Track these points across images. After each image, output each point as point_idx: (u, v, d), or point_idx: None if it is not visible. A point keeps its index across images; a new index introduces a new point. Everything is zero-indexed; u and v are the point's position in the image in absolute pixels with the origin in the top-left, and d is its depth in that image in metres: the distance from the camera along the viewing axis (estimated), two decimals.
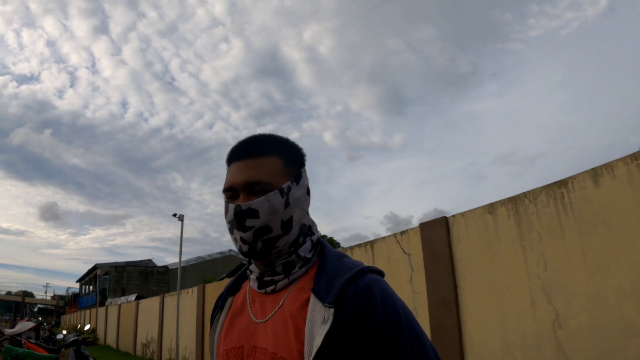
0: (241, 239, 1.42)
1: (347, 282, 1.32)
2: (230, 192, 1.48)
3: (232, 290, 1.68)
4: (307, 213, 1.57)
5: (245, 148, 1.51)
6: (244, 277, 1.69)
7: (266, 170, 1.44)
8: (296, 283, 1.44)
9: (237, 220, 1.42)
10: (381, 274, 1.43)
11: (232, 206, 1.44)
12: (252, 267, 1.54)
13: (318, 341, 1.23)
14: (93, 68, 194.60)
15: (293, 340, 1.31)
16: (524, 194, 6.01)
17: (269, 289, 1.47)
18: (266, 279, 1.48)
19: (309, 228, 1.56)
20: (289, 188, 1.46)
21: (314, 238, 1.54)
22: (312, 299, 1.33)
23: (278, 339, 1.35)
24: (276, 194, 1.42)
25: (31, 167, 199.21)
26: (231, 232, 1.46)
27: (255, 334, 1.44)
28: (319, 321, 1.27)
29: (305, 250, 1.49)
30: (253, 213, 1.40)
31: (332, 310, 1.26)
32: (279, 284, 1.45)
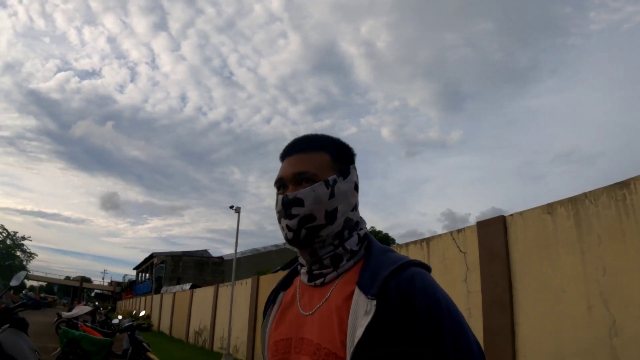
0: (287, 226, 1.51)
1: (391, 275, 1.34)
2: (280, 184, 1.58)
3: (284, 285, 1.75)
4: (355, 209, 1.62)
5: (295, 145, 1.63)
6: (296, 273, 1.73)
7: (313, 163, 1.55)
8: (343, 276, 1.49)
9: (285, 209, 1.52)
10: (427, 268, 1.44)
11: (280, 196, 1.55)
12: (301, 260, 1.61)
13: (359, 332, 1.26)
14: (153, 63, 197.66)
15: (337, 331, 1.35)
16: (585, 195, 5.88)
17: (318, 281, 1.53)
18: (315, 272, 1.54)
19: (356, 223, 1.61)
20: (335, 181, 1.54)
21: (361, 233, 1.59)
22: (356, 291, 1.36)
23: (323, 330, 1.40)
24: (321, 185, 1.51)
25: (92, 159, 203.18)
26: (279, 221, 1.56)
27: (302, 326, 1.49)
28: (361, 313, 1.30)
29: (352, 244, 1.54)
30: (299, 202, 1.50)
31: (374, 302, 1.29)
32: (328, 277, 1.51)
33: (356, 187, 1.62)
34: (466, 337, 1.30)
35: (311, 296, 1.53)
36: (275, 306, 1.70)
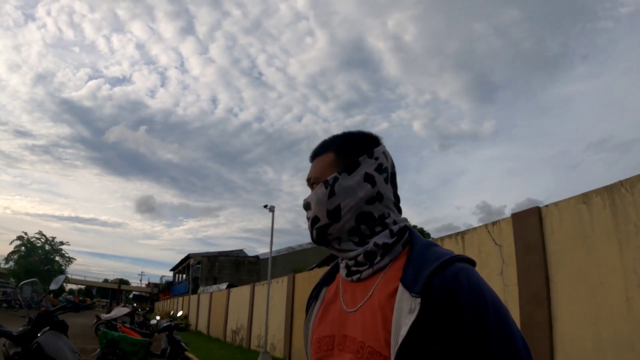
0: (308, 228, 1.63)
1: (435, 272, 1.30)
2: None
3: (326, 281, 1.75)
4: (376, 201, 1.56)
5: (313, 151, 1.70)
6: (337, 268, 1.72)
7: (318, 167, 1.62)
8: (386, 272, 1.46)
9: (306, 214, 1.64)
10: (472, 262, 1.40)
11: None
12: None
13: (404, 331, 1.24)
14: (182, 67, 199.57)
15: (381, 329, 1.32)
16: (620, 183, 5.78)
17: (355, 277, 1.52)
18: (352, 268, 1.54)
19: (382, 217, 1.55)
20: (335, 179, 1.55)
21: (395, 228, 1.54)
22: (400, 288, 1.34)
23: (366, 328, 1.37)
24: (320, 186, 1.57)
25: (127, 163, 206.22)
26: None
27: (345, 323, 1.48)
28: (406, 311, 1.27)
29: (383, 238, 1.50)
30: (307, 206, 1.61)
31: (418, 300, 1.26)
32: (364, 273, 1.49)
33: (368, 178, 1.56)
34: (512, 334, 1.28)
35: (353, 292, 1.51)
36: (318, 302, 1.70)
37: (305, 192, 1.66)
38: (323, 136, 1.67)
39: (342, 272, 1.59)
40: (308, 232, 1.61)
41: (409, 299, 1.28)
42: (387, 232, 1.51)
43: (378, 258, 1.48)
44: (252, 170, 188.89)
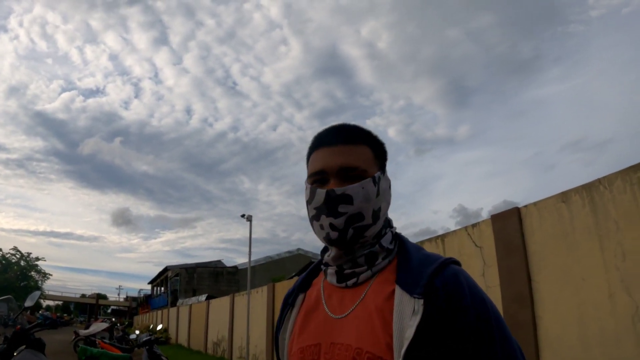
0: (331, 225, 1.40)
1: (435, 273, 1.31)
2: (319, 176, 1.46)
3: (302, 287, 1.66)
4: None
5: (336, 134, 1.50)
6: (315, 274, 1.66)
7: (360, 158, 1.44)
8: (377, 276, 1.43)
9: (328, 206, 1.40)
10: (460, 265, 1.41)
11: (322, 191, 1.42)
12: (329, 260, 1.51)
13: (410, 333, 1.21)
14: (156, 78, 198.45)
15: (380, 333, 1.29)
16: (599, 181, 5.76)
17: (350, 282, 1.45)
18: (347, 271, 1.46)
19: (389, 222, 1.56)
20: (380, 178, 1.47)
21: (393, 230, 1.55)
22: (398, 290, 1.32)
23: (363, 333, 1.33)
24: (370, 182, 1.42)
25: (102, 176, 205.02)
26: (317, 218, 1.44)
27: (333, 330, 1.41)
28: (408, 313, 1.25)
29: (387, 242, 1.48)
30: (347, 199, 1.39)
31: (421, 301, 1.25)
32: (362, 277, 1.43)
33: (390, 185, 1.57)
34: (509, 335, 1.31)
35: (341, 298, 1.45)
36: (295, 310, 1.61)
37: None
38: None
39: (331, 278, 1.51)
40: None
41: (410, 301, 1.27)
42: (389, 235, 1.51)
43: (379, 260, 1.44)
44: (229, 180, 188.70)
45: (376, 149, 1.51)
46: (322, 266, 1.59)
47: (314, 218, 1.45)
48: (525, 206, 6.83)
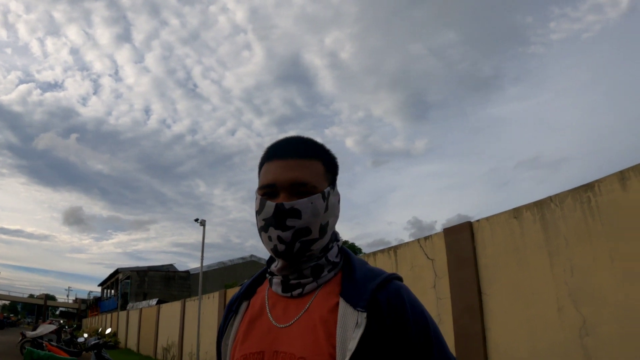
0: (278, 237, 1.41)
1: (378, 288, 1.35)
2: (269, 189, 1.47)
3: (247, 295, 1.66)
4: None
5: (290, 147, 1.51)
6: (259, 282, 1.67)
7: (312, 173, 1.46)
8: (323, 287, 1.45)
9: (277, 219, 1.41)
10: (402, 280, 1.47)
11: (271, 204, 1.43)
12: (275, 270, 1.52)
13: (352, 345, 1.24)
14: (116, 75, 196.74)
15: (324, 344, 1.30)
16: (550, 198, 5.90)
17: (296, 292, 1.46)
18: (292, 282, 1.47)
19: (336, 235, 1.59)
20: (329, 193, 1.48)
21: (339, 244, 1.57)
22: (342, 303, 1.34)
23: (306, 343, 1.33)
24: (319, 197, 1.44)
25: (56, 173, 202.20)
26: (265, 229, 1.45)
27: (277, 339, 1.41)
28: (351, 325, 1.28)
29: (333, 255, 1.51)
30: (296, 213, 1.40)
31: (364, 315, 1.28)
32: (307, 287, 1.45)
33: (339, 200, 1.58)
34: (445, 344, 1.41)
35: (285, 307, 1.46)
36: (239, 317, 1.60)
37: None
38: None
39: (277, 288, 1.51)
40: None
41: (353, 314, 1.29)
42: (335, 248, 1.53)
43: (325, 272, 1.46)
44: (185, 184, 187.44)
45: (328, 164, 1.53)
46: (267, 275, 1.60)
47: (262, 229, 1.46)
48: (478, 221, 6.92)
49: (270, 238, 1.43)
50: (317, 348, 1.31)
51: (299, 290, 1.45)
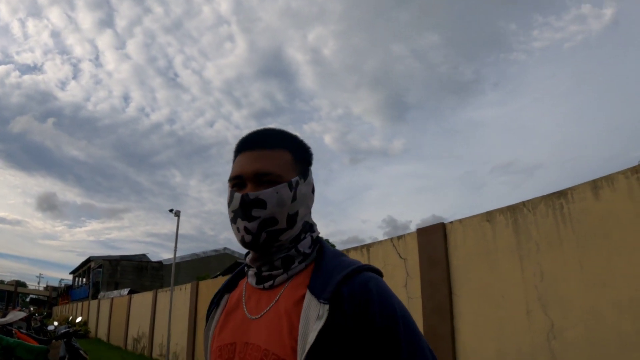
0: (245, 228, 1.42)
1: (344, 280, 1.31)
2: (238, 180, 1.47)
3: (228, 288, 1.67)
4: (310, 212, 1.57)
5: (257, 139, 1.52)
6: (242, 275, 1.66)
7: (277, 163, 1.45)
8: (293, 279, 1.43)
9: (243, 210, 1.42)
10: (379, 273, 1.41)
11: (238, 195, 1.44)
12: (250, 262, 1.52)
13: (312, 337, 1.22)
14: (96, 61, 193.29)
15: (286, 336, 1.30)
16: (523, 204, 5.96)
17: (267, 284, 1.46)
18: (264, 274, 1.47)
19: (310, 226, 1.56)
20: (297, 183, 1.47)
21: (314, 235, 1.54)
22: (308, 295, 1.33)
23: (271, 335, 1.34)
24: (285, 187, 1.43)
25: (31, 158, 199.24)
26: (234, 221, 1.45)
27: (248, 331, 1.42)
28: (313, 317, 1.26)
29: (304, 246, 1.49)
30: (260, 203, 1.40)
31: (327, 307, 1.25)
32: (278, 279, 1.44)
33: (313, 190, 1.59)
34: (420, 344, 1.31)
35: (259, 299, 1.47)
36: (219, 309, 1.63)
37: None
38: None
39: (251, 279, 1.52)
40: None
41: (316, 306, 1.27)
42: (309, 239, 1.51)
43: (295, 264, 1.45)
44: (160, 173, 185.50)
45: (297, 153, 1.53)
46: (245, 268, 1.60)
47: (232, 221, 1.47)
48: (451, 222, 6.96)
49: (238, 229, 1.44)
50: (280, 340, 1.31)
51: (270, 282, 1.45)
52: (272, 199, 1.40)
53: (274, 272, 1.45)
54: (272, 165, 1.44)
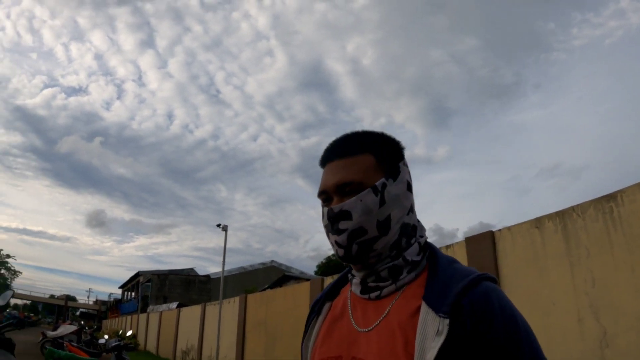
0: (336, 242, 1.37)
1: (464, 291, 1.22)
2: (324, 196, 1.43)
3: (330, 295, 1.60)
4: (411, 212, 1.46)
5: (335, 149, 1.46)
6: (344, 282, 1.60)
7: (357, 169, 1.38)
8: (405, 289, 1.36)
9: (332, 224, 1.37)
10: (496, 281, 1.31)
11: (325, 210, 1.40)
12: (354, 270, 1.47)
13: (431, 355, 1.14)
14: (139, 81, 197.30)
15: (401, 352, 1.21)
16: (572, 208, 5.87)
17: (374, 294, 1.39)
18: (370, 284, 1.40)
19: (414, 228, 1.46)
20: (384, 185, 1.38)
21: (422, 240, 1.46)
22: (424, 307, 1.24)
23: (383, 350, 1.25)
24: (369, 193, 1.35)
25: (79, 176, 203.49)
26: (328, 236, 1.41)
27: (356, 344, 1.35)
28: (431, 333, 1.18)
29: (412, 254, 1.40)
30: (345, 215, 1.35)
31: (447, 321, 1.17)
32: (385, 290, 1.37)
33: (409, 187, 1.47)
34: (540, 356, 1.24)
35: (365, 310, 1.39)
36: (320, 318, 1.54)
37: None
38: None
39: (355, 288, 1.44)
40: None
41: (435, 320, 1.19)
42: (416, 246, 1.42)
43: (404, 274, 1.37)
44: (205, 188, 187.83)
45: (382, 154, 1.43)
46: (349, 275, 1.52)
47: (327, 236, 1.42)
48: (499, 230, 6.90)
49: (332, 244, 1.40)
50: (393, 356, 1.22)
51: (377, 293, 1.38)
52: (356, 208, 1.34)
53: (381, 284, 1.38)
54: (352, 173, 1.37)
